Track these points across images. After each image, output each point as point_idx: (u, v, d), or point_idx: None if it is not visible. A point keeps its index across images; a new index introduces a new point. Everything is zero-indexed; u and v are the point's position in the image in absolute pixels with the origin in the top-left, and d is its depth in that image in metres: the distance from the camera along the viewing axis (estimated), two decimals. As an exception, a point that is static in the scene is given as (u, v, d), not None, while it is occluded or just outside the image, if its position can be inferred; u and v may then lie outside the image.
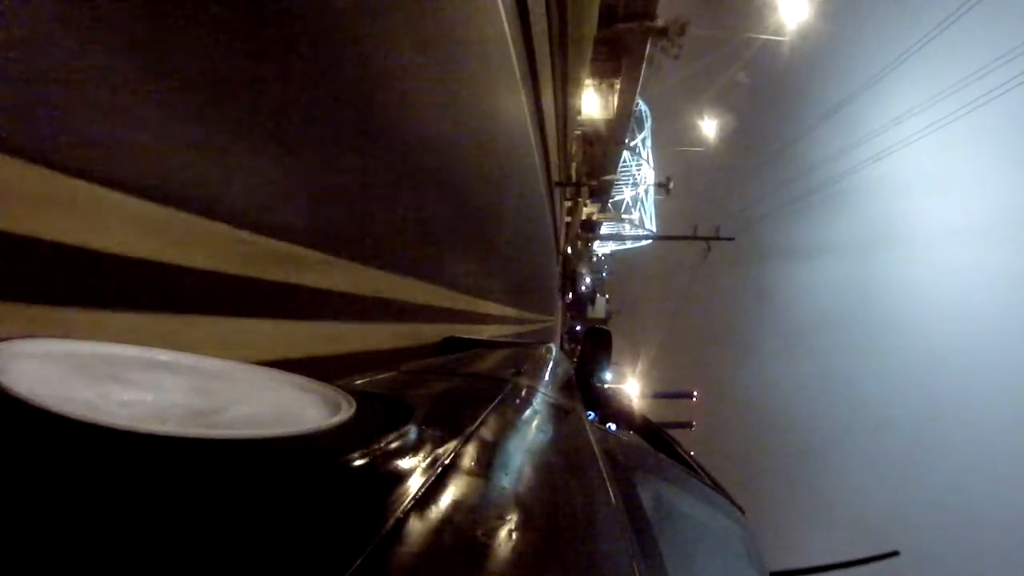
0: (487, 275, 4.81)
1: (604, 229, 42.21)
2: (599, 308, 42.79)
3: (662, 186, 26.51)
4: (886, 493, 77.47)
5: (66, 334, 0.63)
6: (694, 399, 26.45)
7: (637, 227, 45.12)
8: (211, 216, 1.24)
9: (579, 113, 19.36)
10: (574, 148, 22.36)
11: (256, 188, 1.41)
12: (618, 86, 21.30)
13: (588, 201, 33.56)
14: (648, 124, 46.50)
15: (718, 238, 21.62)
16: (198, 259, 1.18)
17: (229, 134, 1.30)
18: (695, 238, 22.01)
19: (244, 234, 1.30)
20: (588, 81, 19.30)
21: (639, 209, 46.90)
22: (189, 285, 1.16)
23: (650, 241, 49.49)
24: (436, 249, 3.04)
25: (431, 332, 2.78)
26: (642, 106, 43.33)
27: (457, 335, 3.04)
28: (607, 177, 33.28)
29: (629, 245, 50.95)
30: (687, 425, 21.85)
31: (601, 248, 51.35)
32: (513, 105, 6.12)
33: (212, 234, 1.23)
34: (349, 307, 1.87)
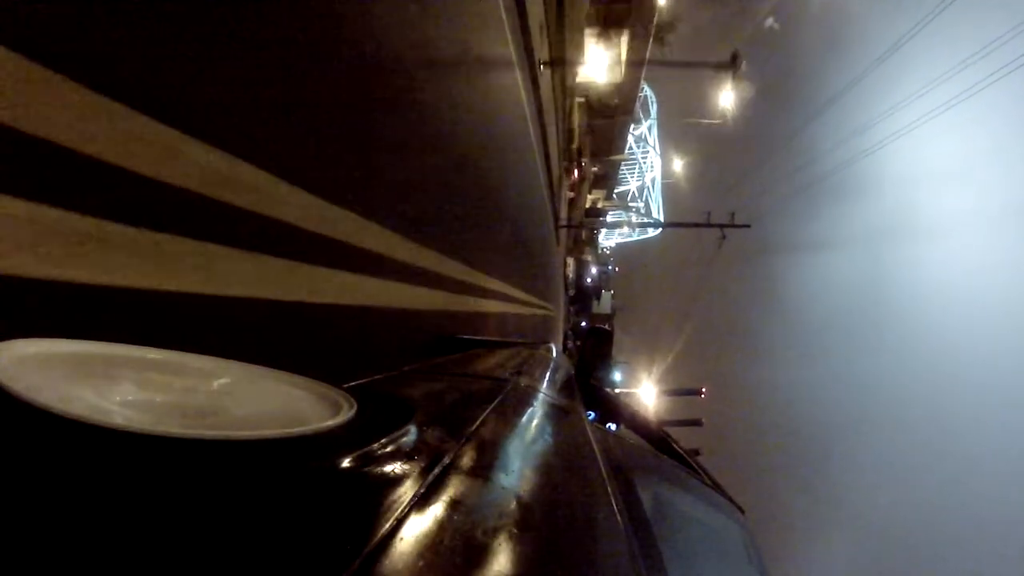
0: (475, 239, 4.24)
1: (610, 218, 41.42)
2: (605, 303, 42.19)
3: (728, 63, 20.33)
4: (897, 493, 77.55)
5: (67, 335, 0.64)
6: (703, 396, 26.38)
7: (644, 216, 44.24)
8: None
9: (579, 67, 16.59)
10: (576, 117, 19.72)
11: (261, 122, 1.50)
12: (625, 36, 17.60)
13: (592, 169, 31.18)
14: (654, 110, 45.65)
15: (733, 225, 20.62)
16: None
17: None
18: (708, 225, 21.01)
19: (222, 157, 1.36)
20: (590, 31, 16.47)
21: (646, 198, 46.15)
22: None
23: (659, 231, 48.86)
24: (429, 209, 2.95)
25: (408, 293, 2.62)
26: (647, 91, 42.06)
27: (452, 329, 3.04)
28: (614, 157, 30.80)
29: (636, 236, 50.35)
30: (696, 423, 21.76)
31: (606, 241, 50.74)
32: (500, 50, 5.57)
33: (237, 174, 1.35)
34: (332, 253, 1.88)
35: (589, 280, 37.97)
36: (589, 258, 38.26)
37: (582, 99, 21.32)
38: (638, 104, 28.57)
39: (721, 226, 20.72)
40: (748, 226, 21.27)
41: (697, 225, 22.26)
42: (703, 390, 26.31)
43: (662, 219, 46.51)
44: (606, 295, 42.78)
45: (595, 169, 32.61)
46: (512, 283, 6.40)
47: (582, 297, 37.69)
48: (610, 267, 51.62)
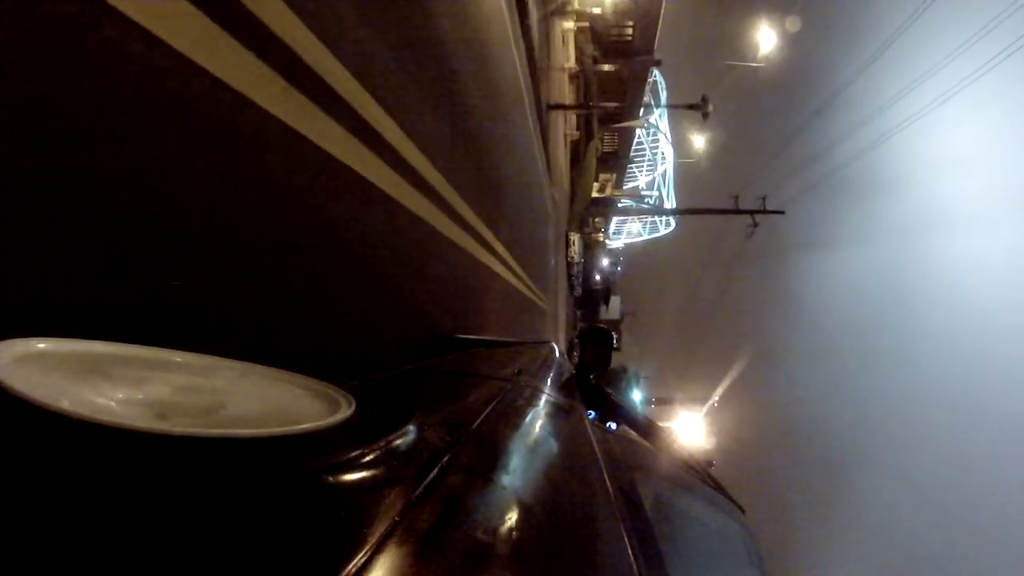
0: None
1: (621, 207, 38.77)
2: (614, 309, 40.76)
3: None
4: (916, 505, 76.86)
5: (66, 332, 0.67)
6: (715, 404, 26.36)
7: (656, 203, 42.66)
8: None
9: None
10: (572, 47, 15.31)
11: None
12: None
13: (600, 144, 26.43)
14: (664, 96, 44.38)
15: (765, 211, 18.80)
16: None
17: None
18: (736, 211, 19.21)
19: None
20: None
21: (657, 187, 44.58)
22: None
23: (670, 229, 47.89)
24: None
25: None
26: (657, 76, 40.31)
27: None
28: (629, 123, 26.49)
29: (646, 234, 49.50)
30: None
31: (614, 242, 49.57)
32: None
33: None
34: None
35: (598, 276, 36.64)
36: (601, 237, 34.87)
37: (584, 23, 17.05)
38: (647, 86, 25.19)
39: (751, 212, 19.00)
40: (782, 212, 19.47)
41: (723, 211, 20.18)
42: (716, 400, 26.23)
43: (677, 221, 44.55)
44: (615, 300, 42.13)
45: (603, 141, 27.70)
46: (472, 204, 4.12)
47: (590, 299, 36.86)
48: (619, 267, 50.62)
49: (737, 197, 19.66)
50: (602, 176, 33.06)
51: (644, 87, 24.36)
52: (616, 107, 23.79)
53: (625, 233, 49.94)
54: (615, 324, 39.92)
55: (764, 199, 19.29)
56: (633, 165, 41.17)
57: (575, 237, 22.77)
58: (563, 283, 19.88)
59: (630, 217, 45.06)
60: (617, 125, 26.64)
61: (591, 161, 23.84)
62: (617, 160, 33.09)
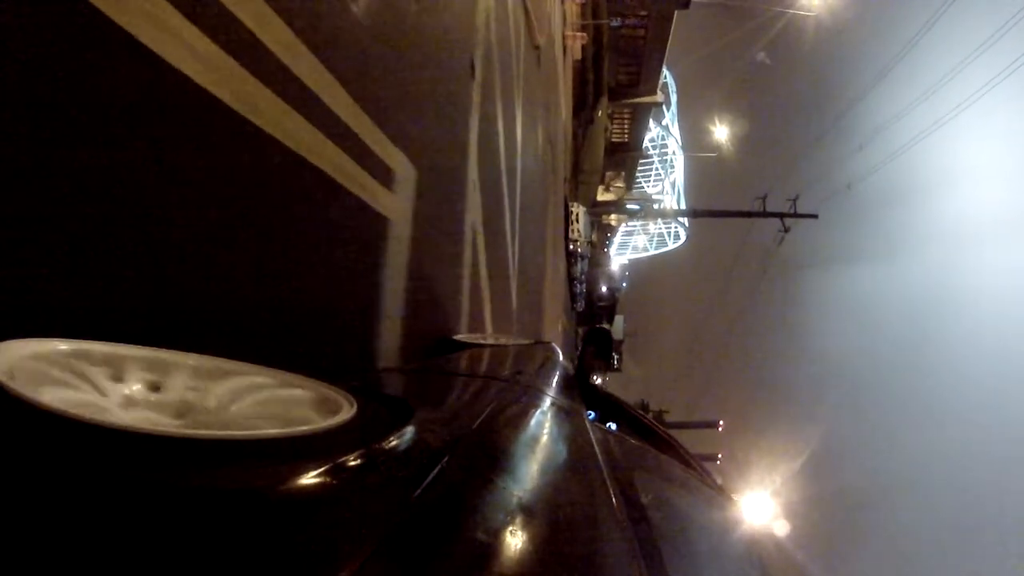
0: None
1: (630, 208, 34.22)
2: (617, 328, 40.71)
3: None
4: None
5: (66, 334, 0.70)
6: (720, 428, 26.27)
7: (665, 223, 41.63)
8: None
9: None
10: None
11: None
12: None
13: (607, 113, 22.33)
14: (674, 99, 41.91)
15: (795, 215, 17.66)
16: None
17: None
18: (764, 214, 18.15)
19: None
20: None
21: (666, 193, 41.32)
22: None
23: (680, 243, 46.61)
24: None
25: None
26: (667, 77, 35.64)
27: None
28: (643, 99, 23.50)
29: (652, 249, 48.96)
30: (711, 459, 21.31)
31: (618, 256, 48.75)
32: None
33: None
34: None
35: (605, 289, 35.66)
36: (614, 219, 31.55)
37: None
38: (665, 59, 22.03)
39: (781, 215, 17.83)
40: (815, 216, 18.44)
41: (748, 214, 19.06)
42: (721, 422, 26.09)
43: (688, 234, 41.34)
44: (619, 319, 41.87)
45: (612, 121, 24.60)
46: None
47: (594, 313, 36.32)
48: (624, 283, 49.82)
49: (765, 198, 18.40)
50: (608, 175, 30.96)
51: (667, 38, 19.80)
52: (636, 22, 19.36)
53: (631, 248, 49.50)
54: (617, 345, 39.63)
55: (795, 200, 18.14)
56: (641, 177, 40.65)
57: (579, 211, 17.80)
58: (559, 249, 15.13)
59: (636, 230, 44.55)
60: (630, 101, 23.34)
61: (599, 130, 20.91)
62: (627, 154, 30.39)
